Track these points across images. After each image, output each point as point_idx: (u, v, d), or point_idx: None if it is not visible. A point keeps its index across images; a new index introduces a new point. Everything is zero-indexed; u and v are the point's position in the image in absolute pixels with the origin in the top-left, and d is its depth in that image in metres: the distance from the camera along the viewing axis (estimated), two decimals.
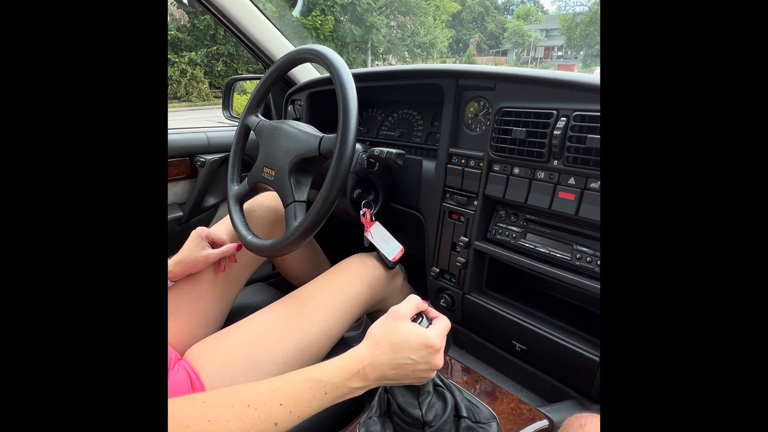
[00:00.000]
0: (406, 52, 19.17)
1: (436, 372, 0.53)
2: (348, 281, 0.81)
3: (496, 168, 0.70)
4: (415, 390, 0.53)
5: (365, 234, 0.84)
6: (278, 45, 1.21)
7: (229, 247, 0.81)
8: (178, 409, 0.42)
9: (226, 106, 1.44)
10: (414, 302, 0.54)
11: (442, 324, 0.53)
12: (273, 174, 0.79)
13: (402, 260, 0.88)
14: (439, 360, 0.50)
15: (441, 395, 0.55)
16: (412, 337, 0.49)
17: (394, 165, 0.77)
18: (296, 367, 0.64)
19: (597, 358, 0.61)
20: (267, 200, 0.94)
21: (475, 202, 0.74)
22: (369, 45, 13.89)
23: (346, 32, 12.90)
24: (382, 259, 0.86)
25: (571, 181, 0.60)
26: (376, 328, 0.52)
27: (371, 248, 0.87)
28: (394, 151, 0.77)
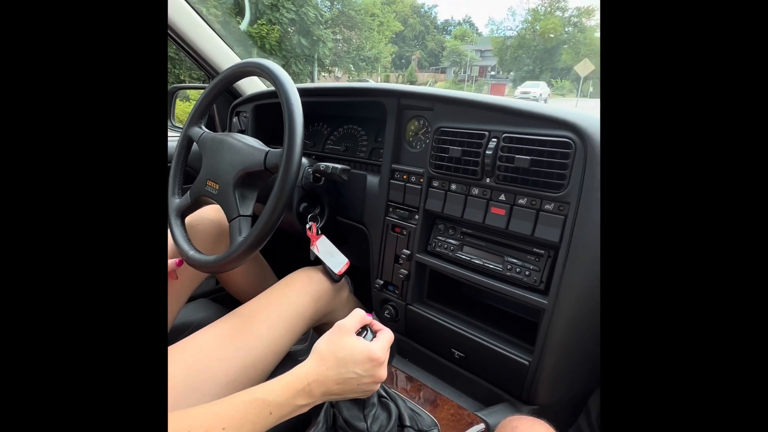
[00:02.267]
0: (351, 65, 19.42)
1: (380, 384, 0.55)
2: (294, 296, 0.80)
3: (435, 184, 0.74)
4: (360, 403, 0.55)
5: (311, 248, 0.85)
6: (223, 56, 1.20)
7: (169, 263, 0.79)
8: None
9: (168, 115, 1.40)
10: (358, 316, 0.56)
11: (385, 337, 0.55)
12: (217, 187, 0.78)
13: (348, 272, 0.89)
14: (383, 373, 0.52)
15: (385, 406, 0.57)
16: (357, 351, 0.51)
17: (339, 180, 0.79)
18: (241, 387, 0.62)
19: (527, 362, 0.66)
20: (210, 214, 0.92)
21: (416, 216, 0.78)
22: (316, 57, 13.90)
23: (294, 44, 12.84)
24: (327, 272, 0.87)
25: (502, 197, 0.65)
26: (321, 344, 0.53)
27: (317, 261, 0.88)
28: (339, 166, 0.78)
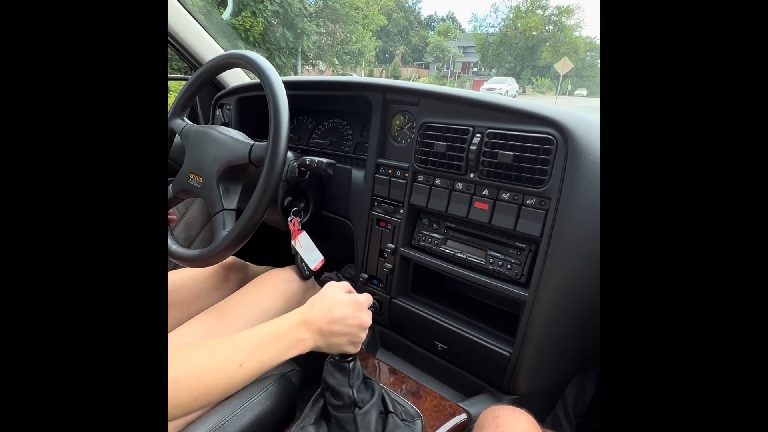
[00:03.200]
0: (335, 59, 19.25)
1: (366, 334, 0.61)
2: (264, 295, 0.81)
3: (420, 179, 0.75)
4: (346, 372, 0.59)
5: (292, 242, 0.85)
6: (206, 47, 1.18)
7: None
8: None
9: None
10: (342, 283, 0.64)
11: (365, 294, 0.64)
12: (200, 181, 0.77)
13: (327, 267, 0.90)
14: (367, 318, 0.60)
15: (369, 386, 0.61)
16: (342, 296, 0.60)
17: (324, 174, 0.79)
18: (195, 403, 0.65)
19: (507, 354, 0.67)
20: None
21: (401, 211, 0.78)
22: (300, 50, 13.73)
23: (278, 36, 12.65)
24: (299, 269, 0.88)
25: (485, 192, 0.67)
26: (312, 296, 0.61)
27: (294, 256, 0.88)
28: (324, 160, 0.78)
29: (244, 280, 0.93)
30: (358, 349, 0.60)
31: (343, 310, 0.58)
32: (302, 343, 0.56)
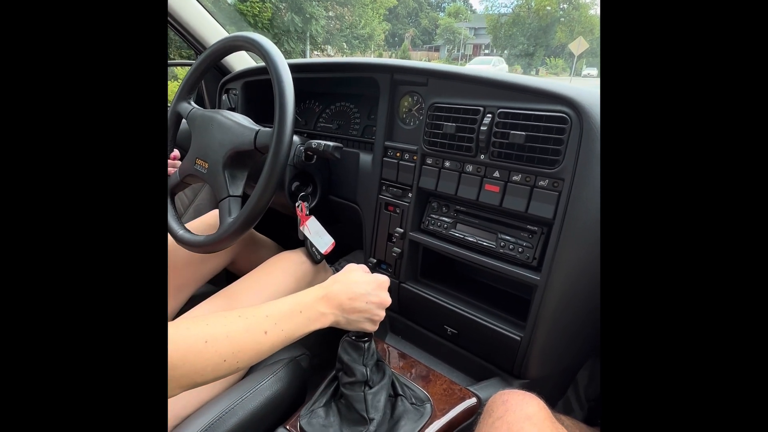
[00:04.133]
0: (344, 44, 18.98)
1: (384, 313, 0.62)
2: (276, 277, 0.82)
3: (429, 161, 0.73)
4: (361, 351, 0.60)
5: (301, 227, 0.84)
6: (211, 31, 1.17)
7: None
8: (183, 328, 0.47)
9: None
10: (362, 266, 0.66)
11: (385, 276, 0.66)
12: (206, 167, 0.77)
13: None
14: (387, 297, 0.62)
15: (381, 368, 0.62)
16: (364, 275, 0.62)
17: (331, 158, 0.78)
18: (226, 366, 0.66)
19: (518, 338, 0.66)
20: (211, 220, 0.95)
21: (410, 194, 0.77)
22: (308, 35, 13.58)
23: (286, 21, 12.50)
24: (309, 254, 0.87)
25: (496, 174, 0.65)
26: (335, 274, 0.63)
27: (304, 241, 0.87)
28: (332, 144, 0.77)
29: (250, 240, 0.98)
30: (376, 327, 0.61)
31: (364, 287, 0.60)
32: (323, 317, 0.57)
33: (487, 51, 36.35)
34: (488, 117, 0.64)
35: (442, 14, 43.18)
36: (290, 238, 0.98)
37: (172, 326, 0.45)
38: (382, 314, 0.61)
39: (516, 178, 0.63)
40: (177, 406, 0.61)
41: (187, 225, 0.82)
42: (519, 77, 0.65)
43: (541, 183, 0.60)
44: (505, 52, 32.06)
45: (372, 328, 0.60)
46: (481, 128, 0.64)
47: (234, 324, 0.50)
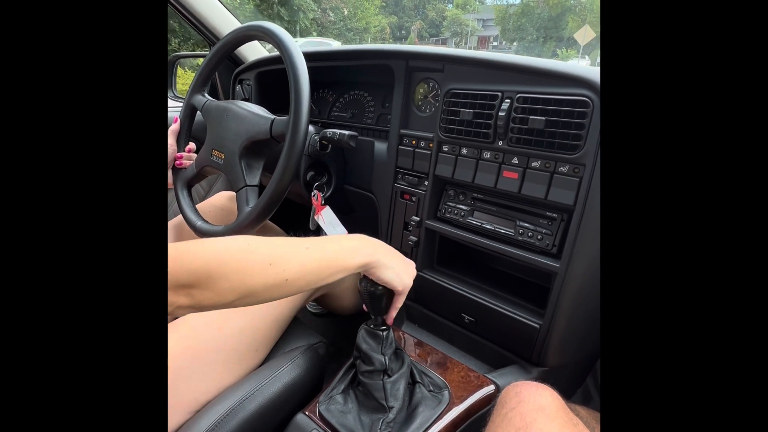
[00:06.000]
0: (336, 36, 18.74)
1: (411, 283, 0.60)
2: None
3: (445, 149, 0.72)
4: (379, 339, 0.60)
5: (315, 217, 0.84)
6: (224, 21, 1.16)
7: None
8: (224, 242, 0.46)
9: (169, 85, 1.37)
10: None
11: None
12: (223, 157, 0.77)
13: None
14: (414, 272, 0.61)
15: (399, 356, 0.62)
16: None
17: (347, 147, 0.78)
18: (242, 354, 0.67)
19: (537, 326, 0.66)
20: (219, 201, 0.94)
21: (426, 183, 0.76)
22: (297, 28, 13.44)
23: (273, 14, 12.30)
24: None
25: (515, 160, 0.64)
26: None
27: (317, 230, 0.87)
28: (347, 132, 0.77)
29: (261, 228, 0.97)
30: (401, 289, 0.58)
31: (400, 256, 0.60)
32: (360, 250, 0.55)
33: (495, 43, 35.91)
34: (506, 102, 0.63)
35: (449, 6, 42.68)
36: (301, 226, 0.99)
37: (214, 240, 0.46)
38: (409, 280, 0.59)
39: (535, 164, 0.62)
40: (198, 391, 0.61)
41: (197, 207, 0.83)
42: (538, 60, 0.64)
43: (562, 169, 0.60)
44: (514, 44, 31.59)
45: (398, 285, 0.57)
46: (500, 114, 0.63)
47: (274, 240, 0.50)
